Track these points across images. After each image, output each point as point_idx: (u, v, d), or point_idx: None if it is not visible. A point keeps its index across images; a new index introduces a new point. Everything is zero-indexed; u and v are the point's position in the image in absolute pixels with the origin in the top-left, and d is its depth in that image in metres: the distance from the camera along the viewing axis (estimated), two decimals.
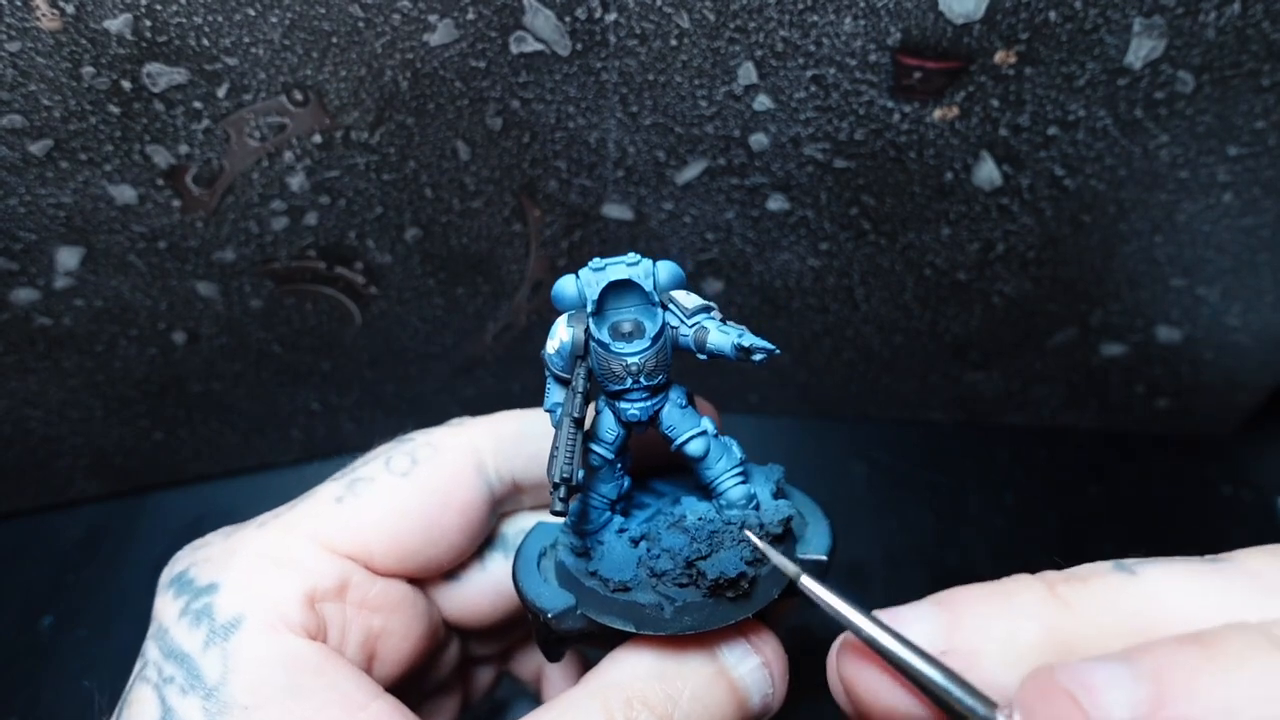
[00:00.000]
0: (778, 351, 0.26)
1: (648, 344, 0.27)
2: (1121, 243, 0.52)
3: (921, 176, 0.48)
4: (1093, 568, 0.22)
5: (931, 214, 0.51)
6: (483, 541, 0.34)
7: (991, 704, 0.20)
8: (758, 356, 0.26)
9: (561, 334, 0.27)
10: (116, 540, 0.60)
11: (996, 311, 0.57)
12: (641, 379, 0.27)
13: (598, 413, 0.29)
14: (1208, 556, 0.21)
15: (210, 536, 0.31)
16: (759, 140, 0.47)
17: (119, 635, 0.55)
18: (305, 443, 0.63)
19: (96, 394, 0.55)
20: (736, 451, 0.29)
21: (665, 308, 0.27)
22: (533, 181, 0.49)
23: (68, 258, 0.47)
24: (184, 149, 0.43)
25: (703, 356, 0.27)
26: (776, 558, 0.26)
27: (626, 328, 0.27)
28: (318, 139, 0.44)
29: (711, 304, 0.28)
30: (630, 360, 0.27)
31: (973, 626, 0.21)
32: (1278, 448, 0.66)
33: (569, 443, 0.26)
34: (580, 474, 0.26)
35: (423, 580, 0.33)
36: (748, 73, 0.44)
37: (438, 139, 0.46)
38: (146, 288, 0.49)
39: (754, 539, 0.27)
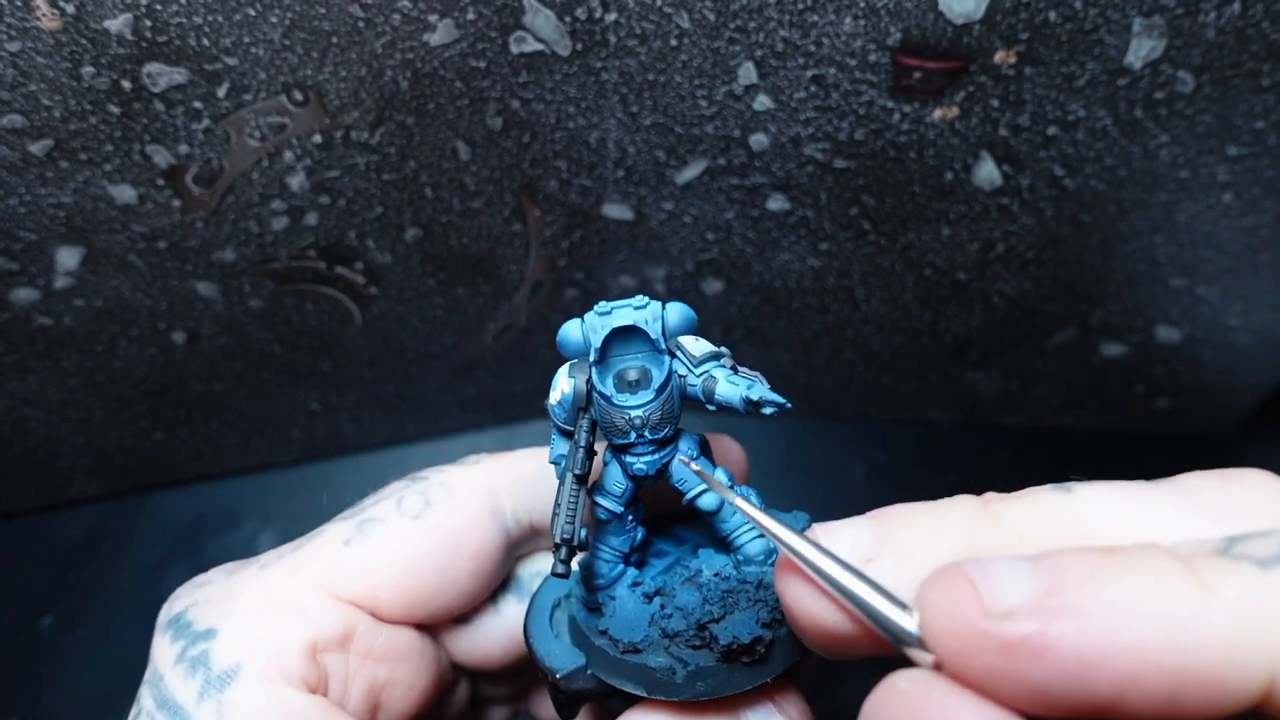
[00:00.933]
0: (789, 405, 0.24)
1: (652, 395, 0.25)
2: (1121, 243, 0.52)
3: (921, 176, 0.48)
4: (1034, 489, 0.22)
5: (931, 214, 0.51)
6: (497, 585, 0.32)
7: (905, 607, 0.20)
8: (768, 410, 0.24)
9: (563, 385, 0.26)
10: (116, 540, 0.60)
11: (996, 311, 0.57)
12: (646, 433, 0.26)
13: (605, 464, 0.28)
14: (1156, 480, 0.21)
15: (212, 574, 0.30)
16: (759, 140, 0.47)
17: (119, 635, 0.55)
18: (305, 443, 0.63)
19: (96, 394, 0.55)
20: (755, 502, 0.27)
21: (674, 355, 0.26)
22: (533, 181, 0.49)
23: (68, 258, 0.47)
24: (184, 149, 0.43)
25: (711, 408, 0.26)
26: (709, 479, 0.25)
27: (633, 375, 0.25)
28: (318, 139, 0.44)
29: (723, 350, 0.26)
30: (633, 413, 0.25)
31: (901, 537, 0.22)
32: (1278, 448, 0.66)
33: (570, 500, 0.24)
34: (583, 533, 0.24)
35: (432, 626, 0.31)
36: (748, 73, 0.44)
37: (438, 139, 0.46)
38: (146, 288, 0.49)
39: (685, 461, 0.26)
